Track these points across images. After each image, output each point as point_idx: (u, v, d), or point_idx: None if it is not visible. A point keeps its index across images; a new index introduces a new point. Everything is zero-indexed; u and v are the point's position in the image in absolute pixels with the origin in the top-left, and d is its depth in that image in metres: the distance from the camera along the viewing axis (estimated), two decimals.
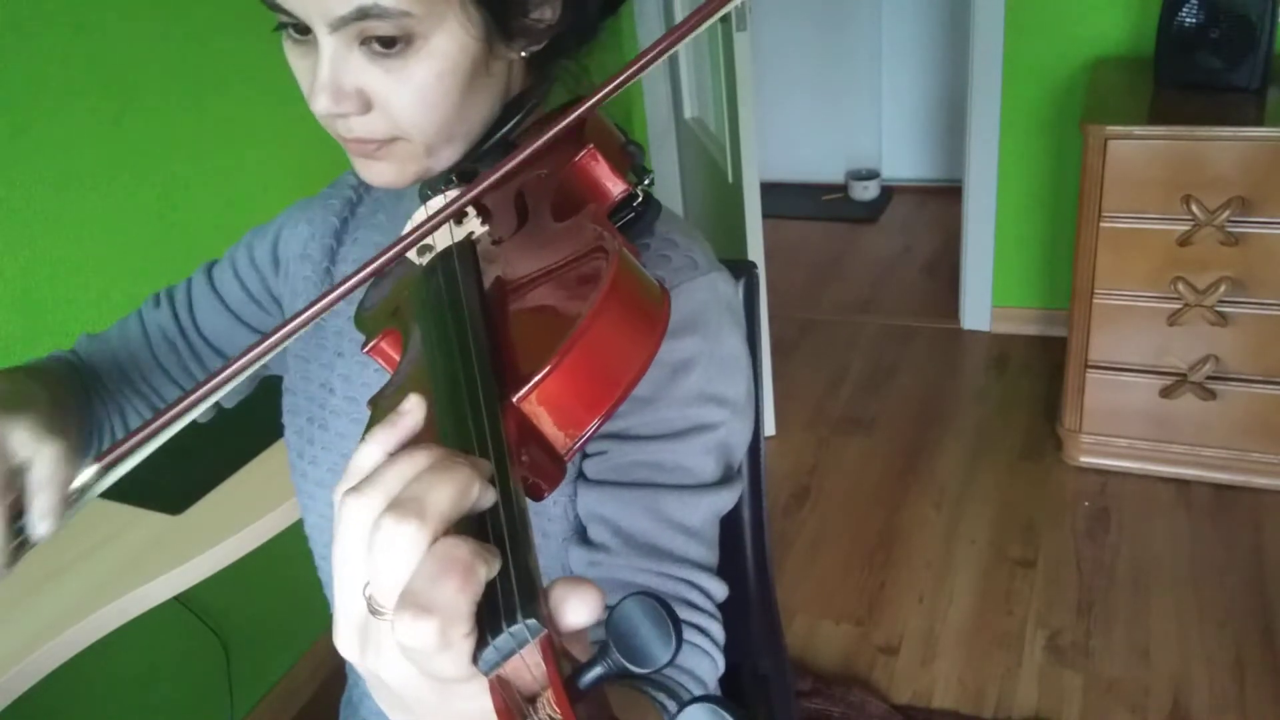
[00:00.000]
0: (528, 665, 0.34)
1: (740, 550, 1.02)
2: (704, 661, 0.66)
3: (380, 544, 0.35)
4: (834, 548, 2.35)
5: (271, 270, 0.85)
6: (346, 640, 0.38)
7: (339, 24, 0.58)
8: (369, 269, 0.53)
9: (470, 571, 0.33)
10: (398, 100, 0.62)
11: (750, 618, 1.05)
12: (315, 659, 2.08)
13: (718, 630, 0.67)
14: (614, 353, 0.45)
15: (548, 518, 0.70)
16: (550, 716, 0.33)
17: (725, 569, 0.70)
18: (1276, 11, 2.17)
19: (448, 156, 0.67)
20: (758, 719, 0.62)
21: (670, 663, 0.33)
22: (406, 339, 0.57)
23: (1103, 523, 2.33)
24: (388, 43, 0.59)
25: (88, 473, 0.56)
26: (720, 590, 0.68)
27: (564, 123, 0.54)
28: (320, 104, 0.61)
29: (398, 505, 0.35)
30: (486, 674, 0.33)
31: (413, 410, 0.43)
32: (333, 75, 0.60)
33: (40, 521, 0.57)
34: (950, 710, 1.90)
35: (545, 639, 0.33)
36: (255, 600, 1.93)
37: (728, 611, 0.69)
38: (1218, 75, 2.23)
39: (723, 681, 0.96)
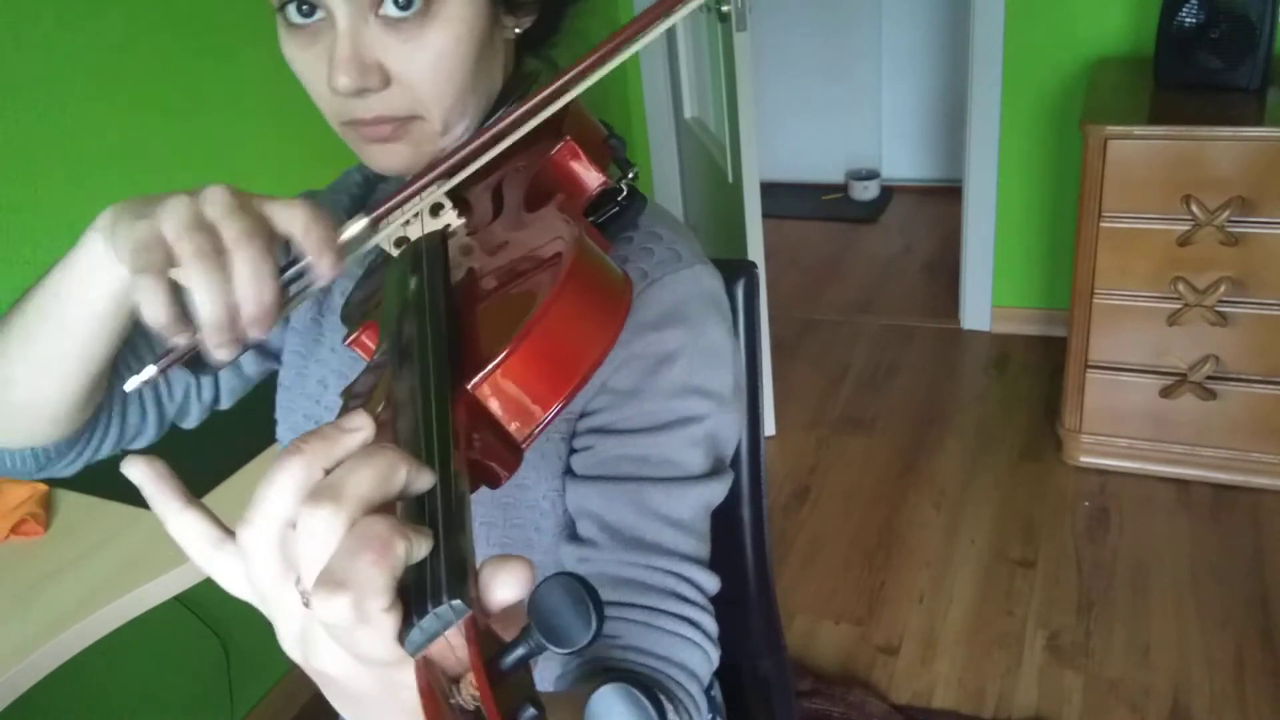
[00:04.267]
0: (452, 647, 0.34)
1: (740, 550, 1.02)
2: (695, 654, 0.65)
3: (299, 531, 0.35)
4: (834, 547, 2.35)
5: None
6: (290, 640, 0.38)
7: None
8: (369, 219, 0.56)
9: (387, 546, 0.33)
10: (417, 70, 0.61)
11: (750, 618, 1.05)
12: None
13: (709, 623, 0.67)
14: (570, 341, 0.46)
15: (540, 513, 0.70)
16: (472, 696, 0.33)
17: (725, 569, 0.70)
18: (1276, 11, 2.17)
19: (458, 137, 0.66)
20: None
21: (590, 644, 0.33)
22: (383, 330, 0.57)
23: (1103, 523, 2.32)
24: (404, 4, 0.59)
25: (359, 223, 0.55)
26: (711, 583, 0.68)
27: (535, 100, 0.54)
28: (343, 82, 0.60)
29: (313, 493, 0.35)
30: (412, 655, 0.33)
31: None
32: (353, 49, 0.60)
33: (320, 260, 0.52)
34: (950, 710, 1.90)
35: (469, 620, 0.33)
36: None
37: (728, 612, 0.69)
38: (1218, 75, 2.23)
39: (723, 681, 0.96)
